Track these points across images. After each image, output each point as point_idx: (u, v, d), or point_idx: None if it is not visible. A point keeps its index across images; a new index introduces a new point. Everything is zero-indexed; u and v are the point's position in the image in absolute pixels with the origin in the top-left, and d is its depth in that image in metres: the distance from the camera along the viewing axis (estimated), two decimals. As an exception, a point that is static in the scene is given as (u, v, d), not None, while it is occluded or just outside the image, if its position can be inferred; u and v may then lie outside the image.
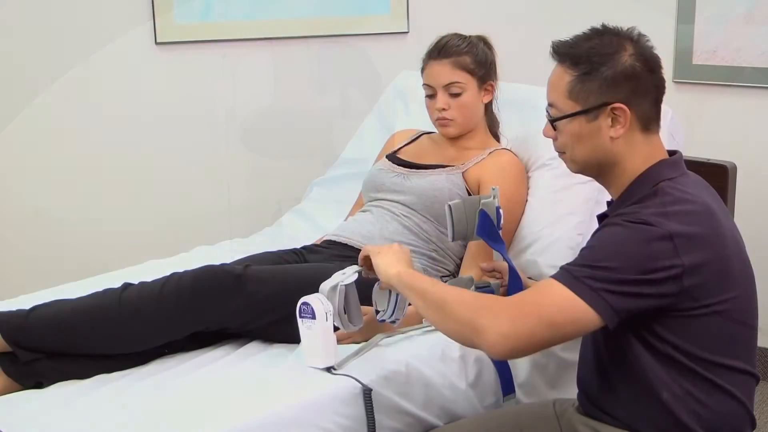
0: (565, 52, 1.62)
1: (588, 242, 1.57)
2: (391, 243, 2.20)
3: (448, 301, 1.58)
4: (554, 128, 1.64)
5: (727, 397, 1.56)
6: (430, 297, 1.63)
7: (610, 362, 1.62)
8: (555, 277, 1.52)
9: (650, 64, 1.60)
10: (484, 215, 1.96)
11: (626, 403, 1.60)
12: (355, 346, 1.96)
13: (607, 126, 1.58)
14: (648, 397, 1.55)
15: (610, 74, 1.57)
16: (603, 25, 1.65)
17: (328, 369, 1.83)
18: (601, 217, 1.68)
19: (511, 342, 1.49)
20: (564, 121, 1.61)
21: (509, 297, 1.58)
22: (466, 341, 1.58)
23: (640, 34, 1.63)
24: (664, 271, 1.47)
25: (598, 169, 1.64)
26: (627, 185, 1.61)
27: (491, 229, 1.96)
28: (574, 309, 1.48)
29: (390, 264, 1.74)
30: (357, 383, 1.80)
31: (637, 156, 1.60)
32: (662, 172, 1.59)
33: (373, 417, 1.78)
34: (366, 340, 1.98)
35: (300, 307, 1.83)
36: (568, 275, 1.50)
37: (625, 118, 1.57)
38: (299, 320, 1.83)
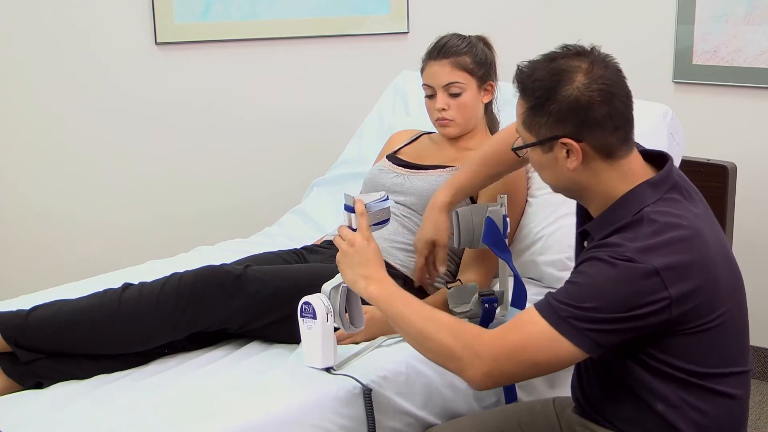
0: (519, 81, 1.59)
1: (572, 275, 1.53)
2: (393, 242, 2.21)
3: (426, 335, 1.57)
4: (518, 155, 1.64)
5: (725, 399, 1.56)
6: (406, 325, 1.61)
7: (603, 375, 1.62)
8: (539, 310, 1.50)
9: (602, 93, 1.52)
10: (490, 223, 1.96)
11: (622, 413, 1.60)
12: (356, 347, 1.96)
13: (563, 158, 1.55)
14: (644, 408, 1.55)
15: (555, 109, 1.52)
16: (562, 47, 1.58)
17: (328, 369, 1.83)
18: (582, 234, 1.67)
19: (492, 380, 1.53)
20: (526, 149, 1.60)
21: (491, 332, 1.55)
22: (447, 369, 1.60)
23: (597, 60, 1.54)
24: (652, 305, 1.45)
25: (569, 193, 1.63)
26: (606, 208, 1.57)
27: (497, 237, 1.96)
28: (557, 348, 1.48)
29: (356, 277, 1.71)
30: (357, 383, 1.80)
31: (604, 184, 1.56)
32: (644, 196, 1.54)
33: (373, 417, 1.78)
34: (368, 340, 1.98)
35: (301, 306, 1.83)
36: (552, 313, 1.48)
37: (577, 152, 1.53)
38: (300, 320, 1.83)
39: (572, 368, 1.75)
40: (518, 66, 1.60)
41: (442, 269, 2.08)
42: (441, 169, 2.32)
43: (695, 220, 1.52)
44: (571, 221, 2.26)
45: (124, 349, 1.92)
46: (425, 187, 2.27)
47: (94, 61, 2.85)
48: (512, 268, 1.99)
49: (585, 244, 1.65)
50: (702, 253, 1.49)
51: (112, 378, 1.88)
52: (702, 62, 3.17)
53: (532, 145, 1.58)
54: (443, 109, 2.30)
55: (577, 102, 1.51)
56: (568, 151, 1.54)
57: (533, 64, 1.58)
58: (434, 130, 2.42)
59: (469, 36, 2.34)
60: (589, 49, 1.57)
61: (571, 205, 2.26)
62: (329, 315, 1.81)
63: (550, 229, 2.25)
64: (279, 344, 2.00)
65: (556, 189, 1.64)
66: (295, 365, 1.88)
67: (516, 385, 2.05)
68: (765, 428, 2.88)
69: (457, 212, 1.99)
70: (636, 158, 1.59)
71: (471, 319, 2.05)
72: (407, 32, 3.36)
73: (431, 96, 2.33)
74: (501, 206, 1.98)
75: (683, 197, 1.56)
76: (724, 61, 3.13)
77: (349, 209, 1.80)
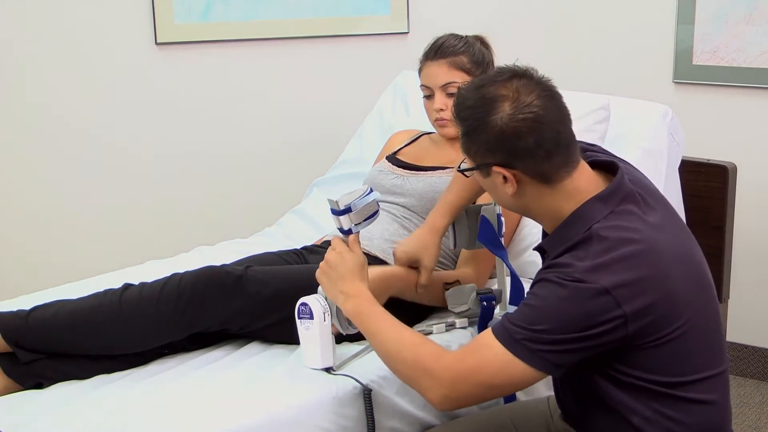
0: (454, 106, 1.58)
1: (527, 297, 1.53)
2: (393, 242, 2.21)
3: (391, 354, 1.62)
4: (465, 176, 1.65)
5: (699, 405, 1.54)
6: (376, 344, 1.66)
7: (578, 390, 1.62)
8: (495, 333, 1.50)
9: (528, 123, 1.49)
10: (485, 221, 1.97)
11: (599, 427, 1.59)
12: (356, 347, 1.96)
13: (500, 183, 1.55)
14: (619, 421, 1.54)
15: (483, 138, 1.52)
16: (497, 70, 1.57)
17: (327, 369, 1.83)
18: (539, 250, 1.65)
19: (452, 402, 1.55)
20: (473, 172, 1.61)
21: (450, 355, 1.56)
22: (412, 388, 1.63)
23: (527, 84, 1.52)
24: (605, 324, 1.44)
25: (518, 213, 1.64)
26: (557, 226, 1.56)
27: (492, 235, 1.97)
28: (512, 370, 1.48)
29: (335, 293, 1.75)
30: (357, 383, 1.80)
31: (546, 205, 1.56)
32: (593, 212, 1.52)
33: (373, 417, 1.78)
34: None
35: (298, 307, 1.83)
36: (507, 335, 1.48)
37: (511, 179, 1.53)
38: (297, 321, 1.84)
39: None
40: (458, 88, 1.61)
41: (420, 290, 2.04)
42: (441, 170, 2.32)
43: (649, 232, 1.49)
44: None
45: (124, 350, 1.92)
46: (425, 188, 2.27)
47: (93, 61, 2.85)
48: (508, 266, 1.99)
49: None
50: (656, 267, 1.47)
51: (112, 378, 1.88)
52: (702, 62, 3.17)
53: (472, 169, 1.59)
54: (441, 109, 2.30)
55: (502, 133, 1.50)
56: (504, 177, 1.54)
57: (466, 91, 1.57)
58: (434, 130, 2.42)
59: (466, 36, 2.34)
60: (522, 72, 1.55)
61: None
62: (326, 315, 1.81)
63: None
64: (279, 344, 2.00)
65: (507, 209, 1.66)
66: (295, 365, 1.88)
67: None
68: (765, 428, 2.88)
69: None
70: (582, 175, 1.56)
71: (470, 318, 2.05)
72: (407, 32, 3.36)
73: (429, 96, 2.33)
74: (495, 205, 1.99)
75: (638, 207, 1.53)
76: (724, 61, 3.13)
77: (336, 212, 1.81)
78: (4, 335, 1.87)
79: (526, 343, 1.46)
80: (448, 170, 2.31)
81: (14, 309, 1.95)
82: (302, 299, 1.83)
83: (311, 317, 1.81)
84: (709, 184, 2.54)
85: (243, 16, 3.05)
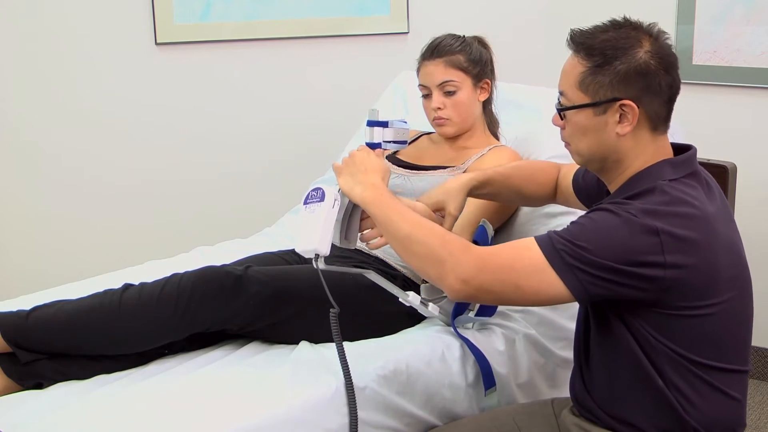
0: (580, 42, 1.59)
1: (579, 218, 1.55)
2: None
3: (414, 239, 1.58)
4: (561, 117, 1.62)
5: (723, 397, 1.55)
6: (395, 229, 1.61)
7: (605, 362, 1.62)
8: (537, 239, 1.52)
9: (666, 62, 1.56)
10: (482, 228, 2.00)
11: (620, 396, 1.60)
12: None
13: (615, 122, 1.56)
14: (641, 388, 1.55)
15: (623, 69, 1.54)
16: (624, 18, 1.61)
17: (315, 256, 1.71)
18: None
19: (470, 290, 1.52)
20: (572, 111, 1.59)
21: (481, 248, 1.55)
22: (428, 278, 1.59)
23: (660, 31, 1.59)
24: (645, 267, 1.46)
25: (601, 163, 1.62)
26: (626, 180, 1.59)
27: (485, 241, 2.00)
28: (543, 277, 1.49)
29: (354, 183, 1.70)
30: (359, 385, 1.78)
31: (641, 155, 1.58)
32: (664, 171, 1.57)
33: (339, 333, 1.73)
34: None
35: (309, 192, 1.74)
36: (549, 243, 1.50)
37: (634, 116, 1.55)
38: (303, 207, 1.74)
39: (572, 366, 1.75)
40: (578, 30, 1.61)
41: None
42: (441, 170, 2.32)
43: (707, 206, 1.53)
44: (569, 220, 2.26)
45: (125, 350, 1.92)
46: (426, 187, 2.27)
47: (94, 61, 2.85)
48: None
49: None
50: (705, 236, 1.50)
51: (112, 378, 1.88)
52: (702, 62, 3.17)
53: (587, 105, 1.57)
54: (439, 108, 2.31)
55: (646, 66, 1.54)
56: (621, 116, 1.55)
57: (596, 27, 1.61)
58: (433, 130, 2.42)
59: (464, 36, 2.34)
60: (649, 24, 1.60)
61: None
62: (336, 203, 1.73)
63: (548, 227, 2.24)
64: (279, 344, 2.00)
65: (589, 158, 1.63)
66: (296, 365, 1.87)
67: (516, 385, 2.05)
68: (765, 428, 2.89)
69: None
70: (667, 138, 1.63)
71: (443, 309, 1.95)
72: (407, 32, 3.36)
73: (427, 96, 2.34)
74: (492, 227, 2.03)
75: (702, 187, 1.57)
76: (724, 61, 3.13)
77: (372, 123, 1.78)
78: (4, 335, 1.87)
79: (564, 255, 1.48)
80: (448, 169, 2.31)
81: (14, 309, 1.95)
82: (317, 184, 1.75)
83: (321, 200, 1.72)
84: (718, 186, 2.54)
85: (243, 16, 3.05)
